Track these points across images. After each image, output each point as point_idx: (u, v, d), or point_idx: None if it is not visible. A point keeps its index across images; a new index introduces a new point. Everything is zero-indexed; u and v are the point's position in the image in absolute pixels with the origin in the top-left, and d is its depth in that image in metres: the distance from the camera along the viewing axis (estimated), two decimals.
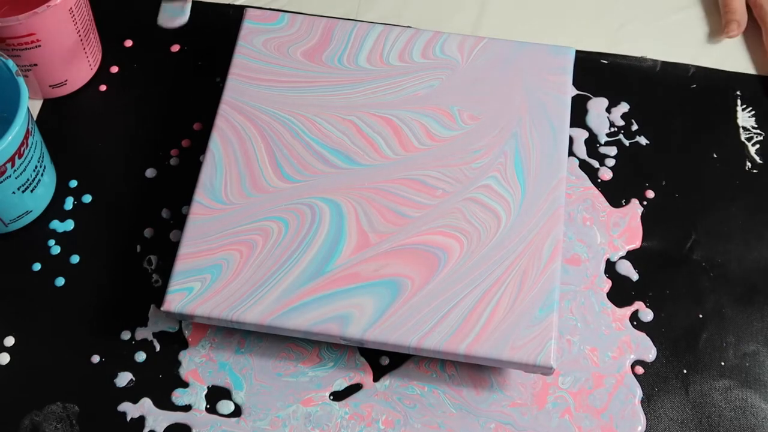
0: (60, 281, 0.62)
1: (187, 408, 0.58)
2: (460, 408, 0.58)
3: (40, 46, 0.62)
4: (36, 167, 0.60)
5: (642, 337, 0.61)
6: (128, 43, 0.71)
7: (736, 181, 0.66)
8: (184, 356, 0.60)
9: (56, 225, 0.64)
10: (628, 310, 0.62)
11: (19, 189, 0.59)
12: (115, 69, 0.70)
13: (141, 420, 0.58)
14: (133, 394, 0.58)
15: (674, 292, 0.62)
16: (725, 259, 0.64)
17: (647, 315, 0.61)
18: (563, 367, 0.59)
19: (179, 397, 0.58)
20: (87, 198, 0.65)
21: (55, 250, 0.63)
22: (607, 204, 0.65)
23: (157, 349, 0.60)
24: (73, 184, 0.65)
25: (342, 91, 0.62)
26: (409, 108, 0.62)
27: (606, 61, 0.71)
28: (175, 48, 0.71)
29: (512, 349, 0.54)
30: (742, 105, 0.69)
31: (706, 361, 0.60)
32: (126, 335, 0.60)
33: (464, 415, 0.58)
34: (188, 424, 0.58)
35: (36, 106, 0.68)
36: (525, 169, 0.60)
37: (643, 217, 0.65)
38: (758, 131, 0.68)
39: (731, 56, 0.72)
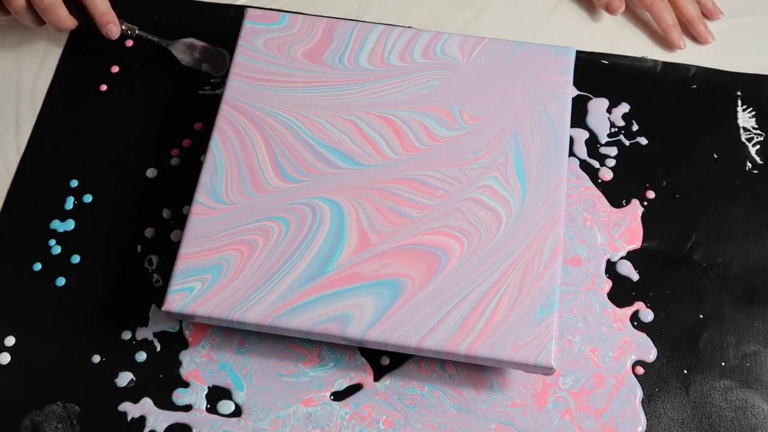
0: (61, 281, 0.62)
1: (187, 408, 0.58)
2: (461, 408, 0.58)
3: None
4: None
5: (642, 337, 0.61)
6: (128, 42, 0.71)
7: (737, 182, 0.66)
8: (185, 356, 0.60)
9: (57, 225, 0.64)
10: (628, 311, 0.62)
11: None
12: (115, 69, 0.70)
13: (141, 420, 0.58)
14: (133, 394, 0.58)
15: (675, 293, 0.62)
16: (725, 259, 0.63)
17: (648, 315, 0.61)
18: (564, 368, 0.59)
19: (180, 397, 0.58)
20: (88, 198, 0.65)
21: (56, 250, 0.63)
22: (608, 204, 0.65)
23: (158, 349, 0.60)
24: (74, 184, 0.65)
25: (343, 91, 0.62)
26: (409, 108, 0.62)
27: (606, 62, 0.71)
28: None
29: (513, 349, 0.54)
30: (742, 105, 0.69)
31: (706, 361, 0.60)
32: (127, 335, 0.60)
33: (464, 415, 0.58)
34: (189, 424, 0.58)
35: (36, 106, 0.68)
36: (525, 169, 0.60)
37: (644, 218, 0.65)
38: (759, 132, 0.68)
39: (732, 56, 0.72)
